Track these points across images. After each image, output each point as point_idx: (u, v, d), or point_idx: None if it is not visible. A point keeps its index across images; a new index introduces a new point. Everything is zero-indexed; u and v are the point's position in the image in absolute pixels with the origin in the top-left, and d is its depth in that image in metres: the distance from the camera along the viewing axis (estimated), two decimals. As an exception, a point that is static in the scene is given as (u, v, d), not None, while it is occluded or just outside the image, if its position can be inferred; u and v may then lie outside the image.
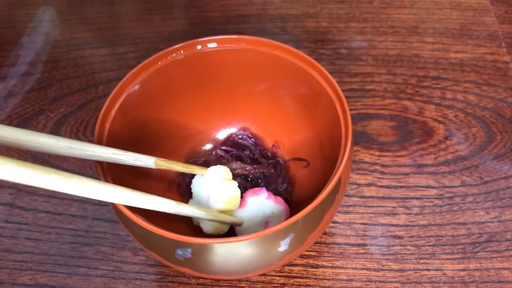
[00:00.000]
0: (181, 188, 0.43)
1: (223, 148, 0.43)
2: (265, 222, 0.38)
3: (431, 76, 0.51)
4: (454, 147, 0.46)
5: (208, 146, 0.45)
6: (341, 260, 0.41)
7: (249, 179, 0.42)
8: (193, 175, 0.42)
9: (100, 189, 0.30)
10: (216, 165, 0.42)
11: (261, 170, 0.42)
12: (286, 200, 0.40)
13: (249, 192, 0.39)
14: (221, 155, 0.43)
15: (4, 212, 0.44)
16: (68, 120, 0.50)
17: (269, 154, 0.43)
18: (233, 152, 0.43)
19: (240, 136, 0.44)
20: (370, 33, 0.55)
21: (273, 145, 0.44)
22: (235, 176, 0.42)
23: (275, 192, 0.41)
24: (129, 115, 0.40)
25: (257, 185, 0.41)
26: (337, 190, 0.35)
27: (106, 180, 0.35)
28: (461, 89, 0.50)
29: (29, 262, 0.41)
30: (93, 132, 0.45)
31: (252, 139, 0.44)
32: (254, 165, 0.42)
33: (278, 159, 0.43)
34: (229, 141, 0.44)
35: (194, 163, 0.43)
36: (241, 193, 0.40)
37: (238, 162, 0.42)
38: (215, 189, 0.38)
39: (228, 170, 0.39)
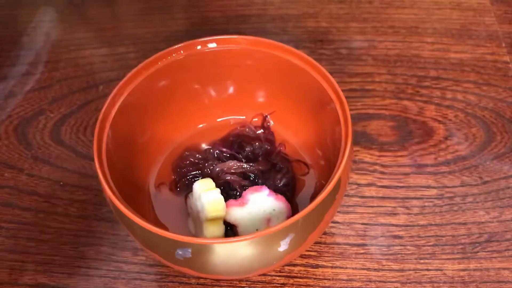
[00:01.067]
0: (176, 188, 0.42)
1: (221, 148, 0.43)
2: (267, 220, 0.38)
3: (431, 76, 0.51)
4: (454, 147, 0.46)
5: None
6: (341, 260, 0.41)
7: (246, 177, 0.42)
8: (185, 176, 0.42)
9: None
10: (213, 162, 0.42)
11: (258, 167, 0.41)
12: (286, 197, 0.40)
13: (250, 189, 0.39)
14: (218, 153, 0.43)
15: (4, 212, 0.44)
16: (68, 120, 0.50)
17: (274, 151, 0.43)
18: (228, 152, 0.43)
19: (252, 128, 0.44)
20: (370, 33, 0.55)
21: (279, 143, 0.44)
22: (232, 174, 0.41)
23: (274, 188, 0.41)
24: (129, 115, 0.40)
25: (255, 183, 0.41)
26: (337, 190, 0.35)
27: (106, 180, 0.35)
28: (461, 89, 0.50)
29: (29, 262, 0.41)
30: (93, 132, 0.45)
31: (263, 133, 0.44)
32: (251, 163, 0.42)
33: (283, 155, 0.43)
34: (239, 132, 0.44)
35: (191, 161, 0.43)
36: (240, 193, 0.40)
37: (235, 160, 0.42)
38: (200, 201, 0.38)
39: (211, 181, 0.38)
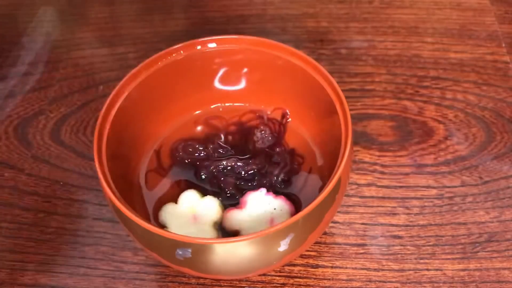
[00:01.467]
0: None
1: (219, 144, 0.43)
2: (270, 220, 0.38)
3: (431, 76, 0.51)
4: (454, 147, 0.46)
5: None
6: (341, 260, 0.41)
7: (242, 174, 0.41)
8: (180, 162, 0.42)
9: None
10: (210, 162, 0.42)
11: (253, 167, 0.41)
12: (286, 195, 0.40)
13: (247, 193, 0.39)
14: (214, 149, 0.42)
15: (4, 212, 0.44)
16: (68, 120, 0.50)
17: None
18: (228, 150, 0.43)
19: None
20: (370, 33, 0.55)
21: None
22: (228, 171, 0.41)
23: (271, 184, 0.41)
24: (129, 115, 0.40)
25: (251, 181, 0.41)
26: (337, 190, 0.35)
27: (106, 180, 0.35)
28: (461, 89, 0.50)
29: (29, 262, 0.41)
30: (93, 132, 0.45)
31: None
32: (248, 161, 0.41)
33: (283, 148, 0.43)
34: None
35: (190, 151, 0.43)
36: (233, 192, 0.40)
37: (231, 158, 0.42)
38: (201, 206, 0.39)
39: (196, 192, 0.40)
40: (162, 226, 0.38)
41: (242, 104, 0.45)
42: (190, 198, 0.39)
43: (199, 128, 0.44)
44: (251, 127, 0.44)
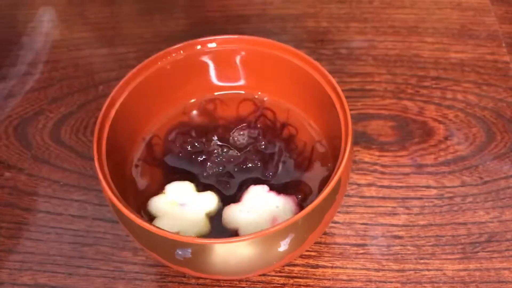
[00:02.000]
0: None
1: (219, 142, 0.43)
2: (272, 219, 0.38)
3: (431, 76, 0.51)
4: (454, 147, 0.46)
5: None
6: (341, 260, 0.41)
7: (241, 167, 0.41)
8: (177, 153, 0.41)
9: None
10: (208, 157, 0.41)
11: (250, 159, 0.41)
12: (288, 189, 0.39)
13: (248, 188, 0.38)
14: (212, 144, 0.42)
15: (4, 212, 0.44)
16: (68, 120, 0.50)
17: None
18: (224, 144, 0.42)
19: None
20: (370, 33, 0.55)
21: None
22: (226, 165, 0.41)
23: (274, 174, 0.40)
24: (129, 115, 0.40)
25: (251, 172, 0.41)
26: (337, 190, 0.35)
27: (106, 180, 0.35)
28: (461, 89, 0.50)
29: (29, 262, 0.41)
30: (93, 132, 0.45)
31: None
32: (246, 153, 0.41)
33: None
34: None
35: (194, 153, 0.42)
36: (231, 188, 0.40)
37: (228, 152, 0.41)
38: (193, 197, 0.38)
39: (189, 183, 0.39)
40: (150, 216, 0.38)
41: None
42: (180, 189, 0.39)
43: (194, 115, 0.44)
44: (242, 121, 0.43)
